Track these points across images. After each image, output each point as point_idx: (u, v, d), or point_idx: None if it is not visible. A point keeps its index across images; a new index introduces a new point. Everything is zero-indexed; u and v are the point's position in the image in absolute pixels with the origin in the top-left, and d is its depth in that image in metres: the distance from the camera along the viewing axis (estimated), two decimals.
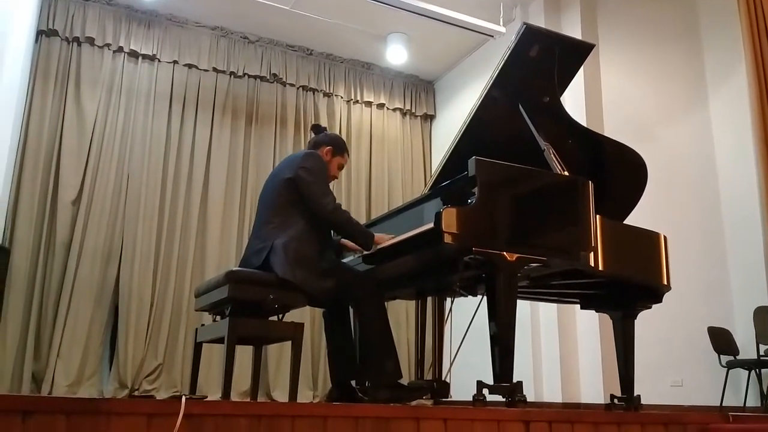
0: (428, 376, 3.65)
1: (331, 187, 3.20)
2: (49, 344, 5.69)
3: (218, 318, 3.15)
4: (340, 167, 3.39)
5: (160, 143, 6.52)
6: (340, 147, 3.37)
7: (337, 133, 6.64)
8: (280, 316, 3.13)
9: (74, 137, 6.19)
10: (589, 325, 5.43)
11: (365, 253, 3.28)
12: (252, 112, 7.06)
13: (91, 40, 6.42)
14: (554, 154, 3.19)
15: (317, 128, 3.46)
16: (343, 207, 3.23)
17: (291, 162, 3.22)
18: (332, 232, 3.31)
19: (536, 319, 5.82)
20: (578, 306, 3.79)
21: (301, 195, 3.08)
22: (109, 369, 5.99)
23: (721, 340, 5.36)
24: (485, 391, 2.63)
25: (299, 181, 3.08)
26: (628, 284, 3.32)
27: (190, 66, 6.82)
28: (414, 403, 3.04)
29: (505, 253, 2.71)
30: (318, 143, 3.34)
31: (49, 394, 5.43)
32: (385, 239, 3.09)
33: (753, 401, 5.23)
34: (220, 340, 2.95)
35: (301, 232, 3.03)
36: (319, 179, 3.10)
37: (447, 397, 3.44)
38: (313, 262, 3.00)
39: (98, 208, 6.11)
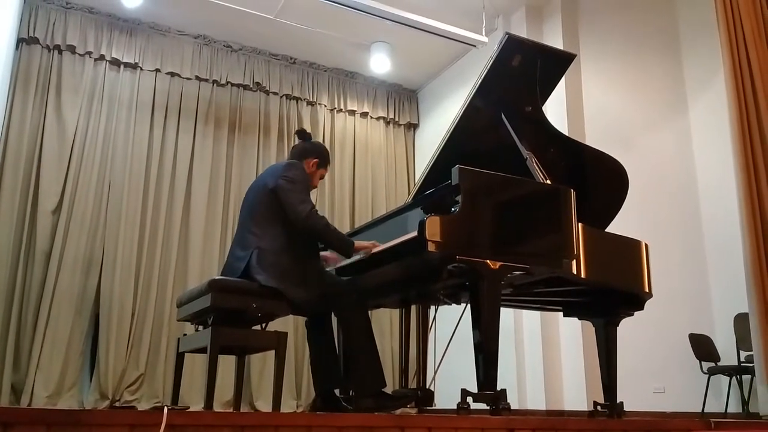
0: (412, 384, 3.65)
1: (313, 194, 3.18)
2: (29, 355, 5.62)
3: (201, 327, 3.13)
4: (321, 177, 3.39)
5: (142, 152, 6.47)
6: (325, 159, 3.36)
7: (321, 141, 6.62)
8: (264, 325, 3.12)
9: (55, 146, 6.14)
10: (572, 333, 5.45)
11: (343, 264, 3.28)
12: (235, 120, 7.04)
13: (72, 48, 6.38)
14: (536, 163, 3.22)
15: (303, 134, 3.42)
16: (327, 216, 3.22)
17: (273, 171, 3.20)
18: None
19: (520, 327, 5.83)
20: (561, 313, 3.82)
21: (280, 204, 3.07)
22: (89, 379, 5.92)
23: (703, 347, 5.41)
24: (469, 399, 2.63)
25: (279, 190, 3.06)
26: (610, 292, 3.34)
27: (172, 74, 6.80)
28: (398, 411, 3.04)
29: (488, 261, 2.72)
30: (305, 153, 3.31)
31: (29, 405, 5.36)
32: (365, 246, 3.08)
33: (734, 407, 5.28)
34: (202, 350, 2.93)
35: (282, 242, 3.02)
36: (298, 188, 3.08)
37: (431, 406, 3.44)
38: (294, 272, 2.98)
39: (79, 217, 6.05)
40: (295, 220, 3.02)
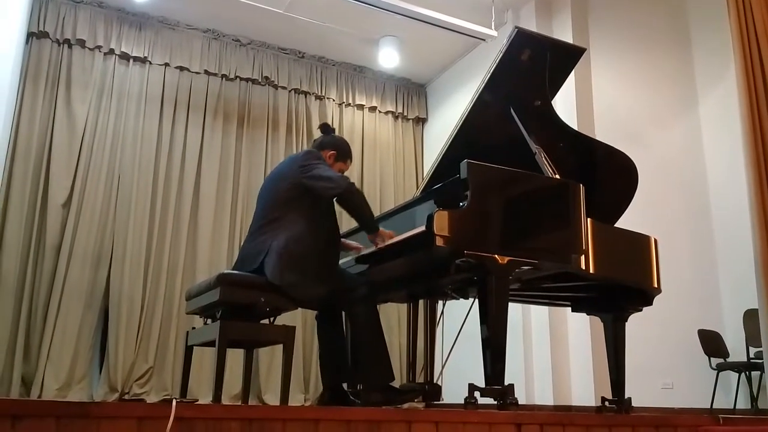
0: (420, 378, 3.65)
1: None
2: (39, 347, 5.66)
3: (209, 321, 3.14)
4: (341, 172, 3.28)
5: (151, 146, 6.50)
6: (344, 153, 3.29)
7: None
8: (272, 319, 3.12)
9: (65, 140, 6.16)
10: (580, 328, 5.44)
11: (362, 254, 3.27)
12: (244, 114, 7.05)
13: (82, 42, 6.40)
14: (545, 158, 3.20)
15: (325, 128, 3.36)
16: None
17: (291, 162, 3.16)
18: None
19: (528, 322, 5.83)
20: (569, 309, 3.81)
21: (306, 189, 3.01)
22: (99, 372, 5.96)
23: (712, 343, 5.39)
24: (477, 394, 2.63)
25: (303, 179, 3.01)
26: (618, 287, 3.34)
27: (181, 68, 6.81)
28: (406, 405, 3.05)
29: (496, 255, 2.71)
30: (322, 145, 3.27)
31: (39, 397, 5.40)
32: (387, 235, 3.06)
33: (743, 403, 5.26)
34: (211, 344, 2.94)
35: (300, 233, 2.98)
36: (321, 164, 3.04)
37: (438, 400, 3.44)
38: (307, 266, 2.95)
39: (88, 210, 6.08)
40: (332, 189, 2.97)
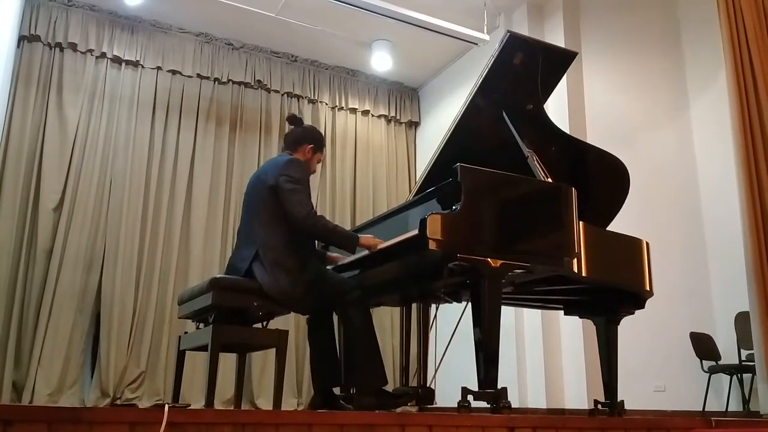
0: (413, 382, 3.65)
1: (314, 191, 3.17)
2: (30, 352, 5.62)
3: (202, 325, 3.13)
4: (319, 161, 3.39)
5: (143, 150, 6.48)
6: (320, 144, 3.35)
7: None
8: (265, 323, 3.12)
9: (56, 143, 6.14)
10: (573, 331, 5.45)
11: (349, 260, 3.27)
12: (236, 118, 7.04)
13: (73, 46, 6.37)
14: (538, 161, 3.22)
15: (295, 120, 3.39)
16: (328, 214, 3.22)
17: (273, 167, 3.16)
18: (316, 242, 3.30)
19: (520, 326, 5.83)
20: (562, 312, 3.81)
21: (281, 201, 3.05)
22: (90, 377, 5.93)
23: (703, 346, 5.41)
24: (470, 398, 2.64)
25: (279, 191, 3.03)
26: (611, 290, 3.34)
27: (174, 72, 6.80)
28: (399, 409, 3.04)
29: (489, 259, 2.72)
30: (300, 140, 3.29)
31: (30, 403, 5.37)
32: (370, 244, 3.07)
33: (735, 406, 5.28)
34: (203, 348, 2.94)
35: (286, 241, 3.01)
36: (299, 188, 3.05)
37: (432, 404, 3.44)
38: (296, 272, 2.97)
39: (80, 214, 6.06)
40: (296, 223, 3.01)
